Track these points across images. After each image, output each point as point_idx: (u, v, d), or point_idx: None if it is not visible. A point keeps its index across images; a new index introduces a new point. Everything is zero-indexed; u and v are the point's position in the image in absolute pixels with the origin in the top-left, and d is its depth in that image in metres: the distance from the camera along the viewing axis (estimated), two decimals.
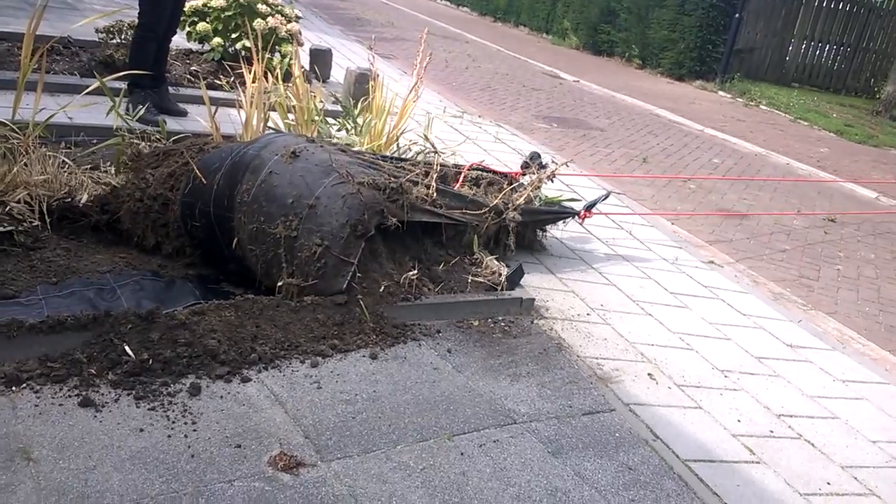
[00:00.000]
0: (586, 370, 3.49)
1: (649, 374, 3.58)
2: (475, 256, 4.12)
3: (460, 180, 4.44)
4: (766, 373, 3.89)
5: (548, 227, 4.86)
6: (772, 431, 3.36)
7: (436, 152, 4.45)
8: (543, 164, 4.91)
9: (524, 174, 4.83)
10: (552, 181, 4.89)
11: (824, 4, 16.48)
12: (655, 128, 10.30)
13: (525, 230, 4.67)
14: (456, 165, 4.59)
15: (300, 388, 2.86)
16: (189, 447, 2.41)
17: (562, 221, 4.84)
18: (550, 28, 19.76)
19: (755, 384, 3.74)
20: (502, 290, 3.89)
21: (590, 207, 4.87)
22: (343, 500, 2.34)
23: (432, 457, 2.64)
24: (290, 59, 6.66)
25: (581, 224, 5.02)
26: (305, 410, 2.74)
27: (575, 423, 3.04)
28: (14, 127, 3.98)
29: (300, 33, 7.62)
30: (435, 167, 4.15)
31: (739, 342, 4.16)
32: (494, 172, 4.76)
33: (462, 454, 2.69)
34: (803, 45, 16.71)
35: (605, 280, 4.58)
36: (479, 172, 4.58)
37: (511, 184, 4.59)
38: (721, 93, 14.64)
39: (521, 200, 4.40)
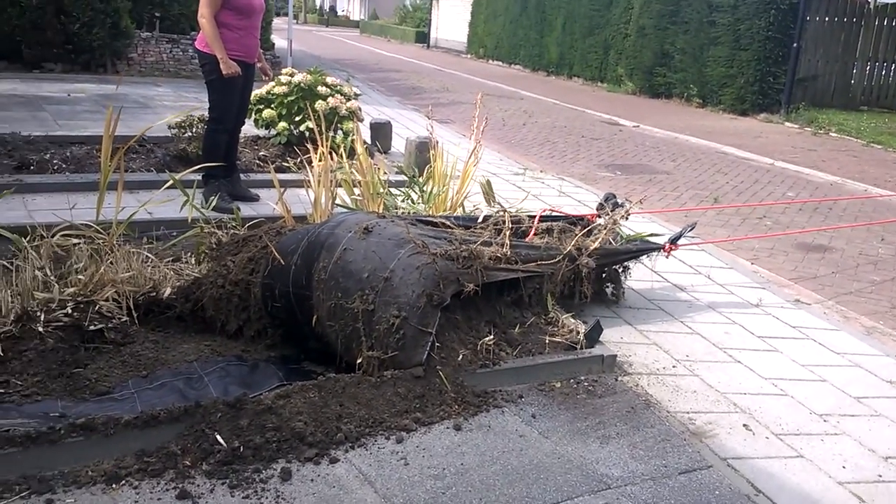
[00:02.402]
0: (678, 426, 3.38)
1: (745, 426, 3.45)
2: (550, 315, 4.08)
3: (532, 231, 4.43)
4: (867, 413, 3.70)
5: (629, 270, 4.78)
6: (880, 476, 3.17)
7: (504, 210, 4.46)
8: (619, 203, 4.86)
9: (599, 216, 4.79)
10: (627, 220, 4.82)
11: (885, 23, 16.11)
12: (723, 166, 10.14)
13: (600, 279, 4.63)
14: (529, 216, 4.59)
15: (388, 466, 2.85)
16: None
17: (646, 256, 4.76)
18: (604, 76, 19.84)
19: (857, 426, 3.55)
20: (582, 348, 3.84)
21: (675, 240, 4.78)
22: None
23: None
24: (352, 135, 6.85)
25: (667, 258, 4.90)
26: (395, 489, 2.72)
27: (672, 483, 2.94)
28: (98, 228, 4.18)
29: (360, 109, 7.85)
30: (507, 224, 4.18)
31: (836, 383, 3.97)
32: (567, 217, 4.75)
33: None
34: (867, 67, 16.30)
35: (687, 329, 4.47)
36: (552, 222, 4.56)
37: (585, 227, 4.56)
38: (787, 124, 14.36)
39: (597, 244, 4.37)
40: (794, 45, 14.78)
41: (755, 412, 3.58)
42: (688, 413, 3.51)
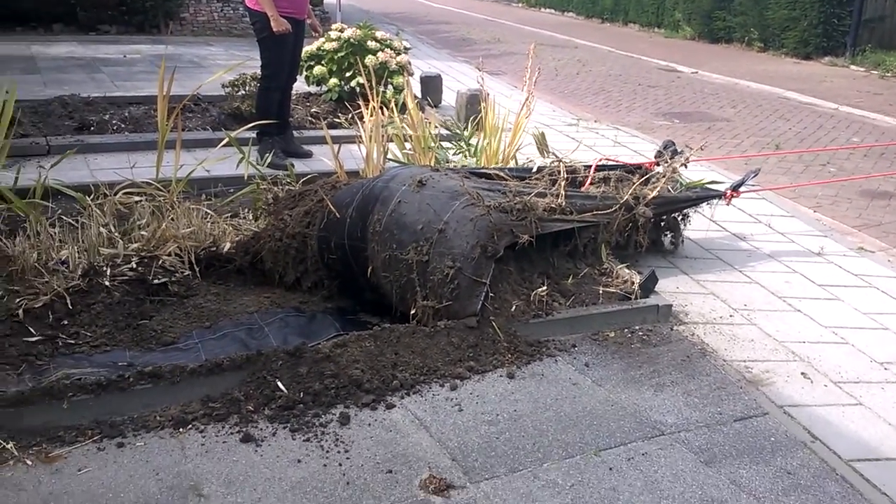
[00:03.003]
0: (734, 374, 3.36)
1: (803, 374, 3.41)
2: (604, 266, 4.06)
3: (588, 181, 4.39)
4: None
5: (688, 218, 4.69)
6: None
7: (559, 160, 4.42)
8: (678, 150, 4.77)
9: (657, 164, 4.71)
10: (687, 167, 4.72)
11: None
12: (785, 112, 9.82)
13: (659, 228, 4.57)
14: (585, 166, 4.53)
15: (442, 412, 2.91)
16: (344, 475, 2.51)
17: (706, 204, 4.67)
18: (661, 22, 19.29)
19: None
20: (636, 298, 3.82)
21: (737, 187, 4.67)
22: None
23: (580, 473, 2.62)
24: (403, 90, 6.84)
25: (727, 205, 4.80)
26: (450, 433, 2.78)
27: (726, 430, 2.93)
28: (158, 185, 4.29)
29: (409, 63, 7.81)
30: (562, 174, 4.14)
31: None
32: (624, 165, 4.68)
33: (610, 469, 2.65)
34: None
35: (746, 278, 4.40)
36: (608, 171, 4.51)
37: (643, 176, 4.49)
38: (853, 67, 13.79)
39: (655, 192, 4.30)
40: None
41: (814, 360, 3.53)
42: (744, 361, 3.48)
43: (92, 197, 4.14)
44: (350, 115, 7.03)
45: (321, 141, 6.02)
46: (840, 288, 4.36)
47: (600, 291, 3.84)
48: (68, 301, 3.38)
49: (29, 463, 2.48)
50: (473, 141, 5.52)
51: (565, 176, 4.15)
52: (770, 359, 3.52)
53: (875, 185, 6.73)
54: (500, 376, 3.18)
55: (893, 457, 2.87)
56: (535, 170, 4.42)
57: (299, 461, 2.57)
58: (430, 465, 2.59)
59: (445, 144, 5.68)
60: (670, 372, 3.33)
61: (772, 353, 3.58)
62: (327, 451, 2.63)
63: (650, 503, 2.49)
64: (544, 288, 3.69)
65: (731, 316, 3.92)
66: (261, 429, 2.71)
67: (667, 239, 4.71)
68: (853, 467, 2.78)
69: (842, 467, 2.77)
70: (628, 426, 2.91)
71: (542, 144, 5.37)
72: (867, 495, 2.62)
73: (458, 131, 6.00)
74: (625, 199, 4.18)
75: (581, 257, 4.07)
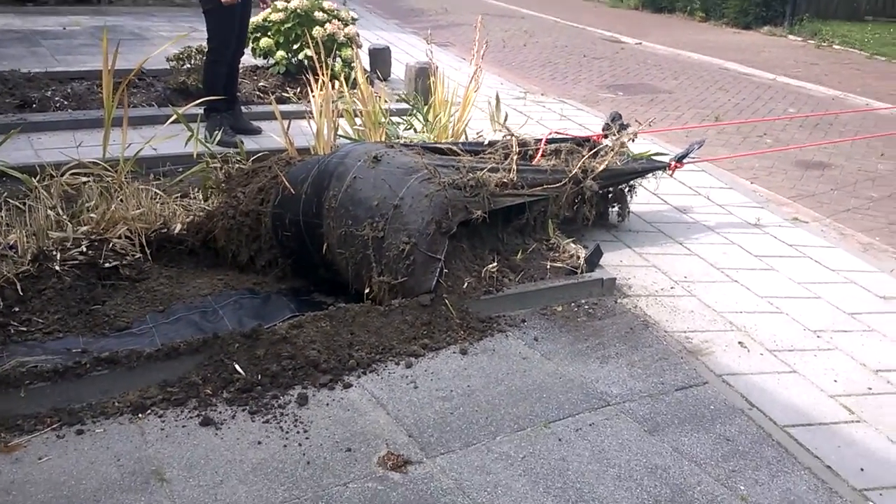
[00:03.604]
0: (675, 345, 3.52)
1: (740, 343, 3.59)
2: (552, 241, 4.18)
3: (538, 154, 4.47)
4: (860, 329, 3.83)
5: (634, 190, 4.80)
6: (870, 388, 3.32)
7: (511, 134, 4.46)
8: (625, 124, 4.87)
9: (605, 136, 4.82)
10: (634, 141, 4.83)
11: None
12: (725, 83, 10.06)
13: (606, 200, 4.69)
14: (535, 140, 4.60)
15: (398, 389, 3.00)
16: (304, 455, 2.59)
17: (651, 176, 4.79)
18: None
19: (850, 342, 3.69)
20: (582, 272, 3.94)
21: (681, 158, 4.80)
22: (451, 493, 2.47)
23: (531, 445, 2.74)
24: (352, 62, 6.81)
25: (671, 176, 4.94)
26: (406, 410, 2.88)
27: (669, 399, 3.09)
28: (106, 165, 4.23)
29: (358, 35, 7.76)
30: (514, 149, 4.22)
31: (830, 300, 4.10)
32: (574, 138, 4.77)
33: (560, 440, 2.78)
34: None
35: (686, 250, 4.57)
36: (559, 144, 4.60)
37: (592, 149, 4.60)
38: (791, 37, 14.13)
39: (604, 165, 4.41)
40: None
41: (750, 330, 3.71)
42: (685, 332, 3.64)
43: (38, 178, 4.07)
44: (298, 90, 7.00)
45: (270, 116, 5.97)
46: (775, 258, 4.57)
47: (548, 266, 3.96)
48: (18, 287, 3.35)
49: None
50: (429, 116, 5.55)
51: (517, 150, 4.24)
52: (709, 329, 3.69)
53: (809, 155, 6.99)
54: (454, 353, 3.28)
55: (825, 421, 3.06)
56: (487, 144, 4.49)
57: (259, 443, 2.63)
58: (387, 442, 2.68)
59: (395, 119, 5.70)
60: (615, 344, 3.47)
61: (710, 323, 3.75)
62: (287, 432, 2.69)
63: (598, 472, 2.63)
64: (495, 264, 3.79)
65: (672, 288, 4.08)
66: (220, 412, 2.77)
67: (614, 211, 4.84)
68: (788, 433, 2.96)
69: (777, 433, 2.95)
70: (576, 398, 3.04)
71: (495, 114, 5.42)
72: (800, 459, 2.80)
73: (415, 105, 6.00)
74: (574, 172, 4.28)
75: (530, 232, 4.17)
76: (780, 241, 4.84)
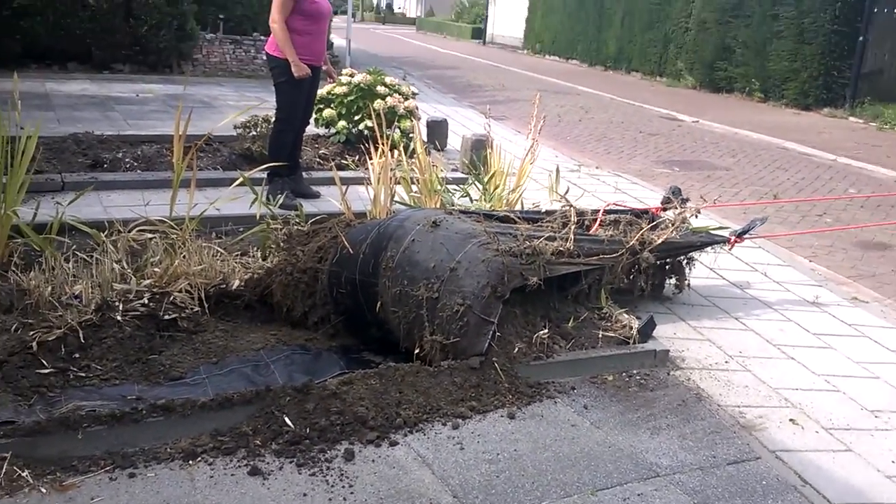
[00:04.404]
0: (728, 419, 3.44)
1: (794, 420, 3.49)
2: (604, 311, 4.16)
3: (596, 224, 4.50)
4: None
5: (693, 262, 4.79)
6: None
7: (570, 204, 4.50)
8: (686, 198, 4.88)
9: (665, 209, 4.83)
10: (697, 217, 4.83)
11: None
12: (784, 162, 10.00)
13: (663, 271, 4.68)
14: (593, 211, 4.64)
15: (444, 450, 2.99)
16: None
17: (711, 249, 4.78)
18: (664, 70, 19.65)
19: None
20: (634, 343, 3.91)
21: (742, 234, 4.77)
22: None
23: None
24: (411, 134, 7.01)
25: (730, 251, 4.90)
26: (451, 471, 2.86)
27: (720, 473, 3.01)
28: (172, 223, 4.41)
29: (417, 108, 8.01)
30: (572, 218, 4.27)
31: (889, 380, 3.97)
32: (633, 211, 4.79)
33: None
34: None
35: (741, 325, 4.50)
36: (617, 215, 4.62)
37: (651, 221, 4.60)
38: (852, 119, 14.03)
39: (662, 238, 4.41)
40: (860, 38, 14.42)
41: (806, 407, 3.61)
42: (738, 407, 3.56)
43: (106, 233, 4.27)
44: (357, 158, 7.22)
45: (329, 182, 6.17)
46: (833, 337, 4.46)
47: (599, 335, 3.94)
48: (81, 335, 3.47)
49: (43, 491, 2.56)
50: (487, 184, 5.64)
51: (575, 220, 4.28)
52: (763, 404, 3.60)
53: (871, 235, 6.86)
54: (501, 416, 3.26)
55: (880, 501, 2.94)
56: (544, 212, 4.54)
57: (305, 495, 2.64)
58: (432, 502, 2.66)
59: (451, 188, 5.82)
60: (666, 416, 3.41)
61: (765, 399, 3.66)
62: (332, 486, 2.70)
63: None
64: (546, 331, 3.78)
65: (726, 362, 4.01)
66: (268, 462, 2.80)
67: (671, 283, 4.81)
68: None
69: None
70: (625, 467, 2.98)
71: (554, 187, 5.49)
72: None
73: (476, 173, 6.11)
74: (631, 243, 4.29)
75: (583, 301, 4.17)
76: (838, 319, 4.73)
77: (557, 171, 5.65)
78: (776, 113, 14.69)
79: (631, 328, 3.98)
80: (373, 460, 2.88)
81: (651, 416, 3.40)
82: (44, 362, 3.30)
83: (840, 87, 14.81)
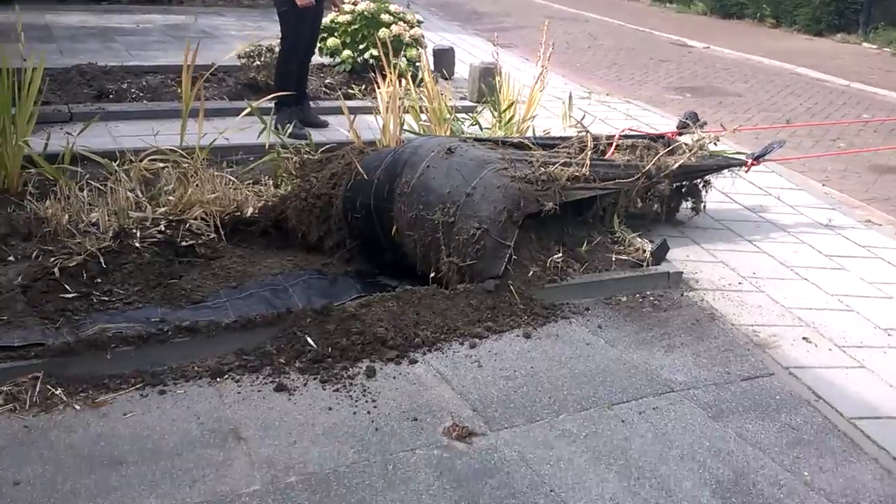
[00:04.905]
0: (742, 338, 3.49)
1: (807, 339, 3.53)
2: (617, 235, 4.18)
3: (612, 149, 4.47)
4: None
5: (710, 185, 4.76)
6: None
7: (586, 129, 4.45)
8: (703, 123, 4.83)
9: (681, 134, 4.79)
10: (716, 145, 4.75)
11: None
12: (797, 88, 9.86)
13: (680, 194, 4.67)
14: (608, 136, 4.58)
15: (462, 367, 3.05)
16: (372, 422, 2.67)
17: (728, 172, 4.75)
18: None
19: None
20: (648, 266, 3.93)
21: (759, 157, 4.74)
22: (514, 464, 2.51)
23: (594, 424, 2.76)
24: (417, 62, 6.92)
25: (747, 173, 4.90)
26: (470, 387, 2.93)
27: (734, 388, 3.07)
28: (182, 152, 4.41)
29: (423, 36, 7.87)
30: (589, 144, 4.24)
31: None
32: (649, 136, 4.75)
33: (623, 421, 2.79)
34: None
35: (755, 248, 4.52)
36: (634, 140, 4.57)
37: (668, 145, 4.58)
38: (865, 44, 13.75)
39: (679, 163, 4.37)
40: None
41: (819, 326, 3.66)
42: (752, 326, 3.61)
43: (118, 163, 4.27)
44: (363, 87, 7.14)
45: (336, 111, 6.09)
46: (847, 258, 4.48)
47: (613, 259, 3.96)
48: (101, 260, 3.52)
49: (77, 407, 2.64)
50: (500, 111, 5.58)
51: (591, 145, 4.24)
52: (777, 324, 3.65)
53: (884, 159, 6.80)
54: (517, 336, 3.31)
55: (893, 415, 3.01)
56: (559, 139, 4.51)
57: (330, 409, 2.72)
58: (452, 415, 2.74)
59: (460, 116, 5.77)
60: (680, 334, 3.46)
61: (778, 318, 3.71)
62: (356, 401, 2.78)
63: (660, 452, 2.64)
64: (560, 255, 3.81)
65: (739, 283, 4.04)
66: (293, 379, 2.87)
67: (687, 205, 4.79)
68: (854, 424, 2.92)
69: (843, 424, 2.91)
70: (639, 383, 3.05)
71: (567, 114, 5.43)
72: (866, 449, 2.76)
73: (489, 100, 6.03)
74: (648, 167, 4.27)
75: (596, 225, 4.18)
76: (851, 241, 4.74)
77: (570, 97, 5.59)
78: (788, 39, 14.39)
79: (644, 251, 4.01)
80: (394, 377, 2.94)
81: (665, 335, 3.45)
82: (67, 287, 3.35)
83: (853, 13, 14.45)
